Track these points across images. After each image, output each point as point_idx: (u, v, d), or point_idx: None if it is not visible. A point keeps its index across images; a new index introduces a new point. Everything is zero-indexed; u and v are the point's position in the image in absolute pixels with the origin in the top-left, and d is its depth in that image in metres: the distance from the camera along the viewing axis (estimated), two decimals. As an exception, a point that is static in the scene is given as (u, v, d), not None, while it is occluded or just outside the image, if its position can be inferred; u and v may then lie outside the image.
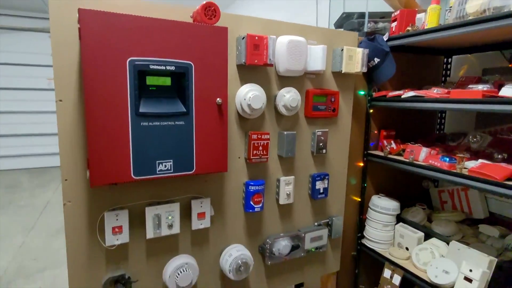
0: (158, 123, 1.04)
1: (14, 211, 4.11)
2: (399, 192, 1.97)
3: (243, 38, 1.23)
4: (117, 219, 1.11)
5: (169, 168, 1.08)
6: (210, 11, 1.11)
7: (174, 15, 1.15)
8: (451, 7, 1.41)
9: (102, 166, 0.98)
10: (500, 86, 1.27)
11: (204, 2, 1.10)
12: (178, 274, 1.21)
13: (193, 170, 1.12)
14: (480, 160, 1.37)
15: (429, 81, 1.95)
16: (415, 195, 2.08)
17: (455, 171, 1.37)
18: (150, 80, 1.05)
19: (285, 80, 1.40)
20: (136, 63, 0.99)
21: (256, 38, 1.22)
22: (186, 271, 1.22)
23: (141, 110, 1.01)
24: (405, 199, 1.95)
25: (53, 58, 0.99)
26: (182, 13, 1.17)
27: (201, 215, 1.26)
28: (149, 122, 1.03)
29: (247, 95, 1.25)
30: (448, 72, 2.02)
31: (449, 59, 2.00)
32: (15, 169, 5.90)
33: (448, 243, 1.54)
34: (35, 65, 5.66)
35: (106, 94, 0.96)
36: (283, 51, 1.30)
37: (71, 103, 1.03)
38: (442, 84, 2.00)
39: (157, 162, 1.06)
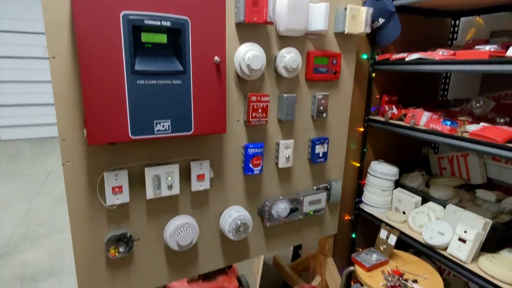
0: (155, 82, 1.02)
1: (18, 180, 4.17)
2: (398, 158, 1.98)
3: (241, -6, 1.17)
4: (116, 179, 1.12)
5: (167, 128, 1.07)
6: (207, -37, 1.05)
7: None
8: (462, -39, 1.33)
9: (99, 124, 0.97)
10: (508, 47, 1.22)
11: (200, -47, 1.04)
12: (179, 234, 1.23)
13: (192, 131, 1.11)
14: (481, 124, 1.36)
15: (435, 45, 1.89)
16: (415, 161, 2.08)
17: (456, 134, 1.36)
18: (145, 37, 1.01)
19: (286, 41, 1.35)
20: (130, 17, 0.94)
21: (256, -7, 1.16)
22: (187, 230, 1.24)
23: (137, 67, 0.99)
24: (405, 165, 1.96)
25: (43, 12, 0.95)
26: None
27: (200, 177, 1.27)
28: (146, 80, 1.00)
29: (246, 55, 1.21)
30: (455, 35, 1.95)
31: (457, 22, 1.93)
32: (16, 139, 5.92)
33: (445, 207, 1.57)
34: (34, 32, 5.49)
35: (100, 50, 0.93)
36: (283, 9, 1.25)
37: (65, 60, 1.00)
38: (448, 47, 1.94)
39: (154, 122, 1.05)
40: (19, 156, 5.12)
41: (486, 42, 1.60)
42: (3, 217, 3.23)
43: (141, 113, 1.02)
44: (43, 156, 5.12)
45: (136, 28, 0.97)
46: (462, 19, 1.93)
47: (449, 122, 1.39)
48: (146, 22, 0.97)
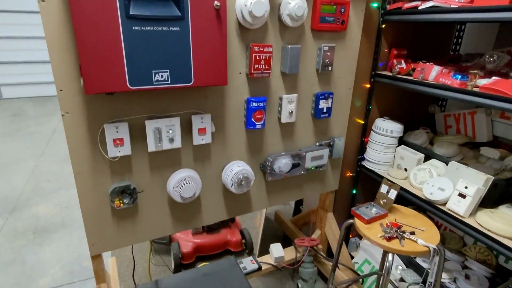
0: (152, 28, 0.97)
1: (23, 138, 4.22)
2: (404, 116, 1.94)
3: None
4: (117, 131, 1.11)
5: (166, 79, 1.04)
6: None
7: None
8: None
9: (96, 73, 0.93)
10: (531, -7, 1.13)
11: None
12: (182, 186, 1.25)
13: (192, 82, 1.08)
14: (493, 78, 1.30)
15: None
16: (421, 119, 2.05)
17: (466, 89, 1.31)
18: (140, -22, 0.94)
19: (291, -14, 1.26)
20: (121, -46, 0.87)
21: None
22: (189, 183, 1.26)
23: (132, 12, 0.93)
24: (410, 123, 1.93)
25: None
26: None
27: (202, 131, 1.26)
28: (142, 26, 0.95)
29: (248, 0, 1.14)
30: (474, -17, 1.81)
31: (477, -32, 1.78)
32: (19, 97, 5.89)
33: (447, 164, 1.56)
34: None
35: (92, -9, 0.87)
36: None
37: (56, 3, 0.94)
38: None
39: (153, 72, 1.01)
40: (23, 114, 5.13)
41: (507, -11, 1.49)
42: (12, 174, 3.31)
43: (138, 62, 0.98)
44: (47, 115, 5.13)
45: (129, -33, 0.90)
46: (483, -36, 1.78)
47: (459, 76, 1.34)
48: (140, -40, 0.90)
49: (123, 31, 0.93)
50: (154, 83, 1.03)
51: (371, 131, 1.83)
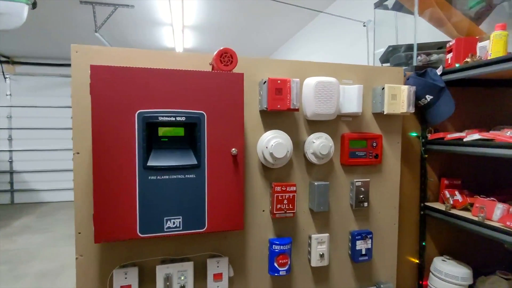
0: (167, 177, 0.98)
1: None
2: (472, 254, 1.59)
3: (264, 83, 1.15)
4: (126, 277, 1.05)
5: (178, 225, 1.00)
6: (226, 58, 1.06)
7: (194, 63, 1.13)
8: (521, 32, 1.16)
9: (106, 222, 0.94)
10: None
11: (220, 49, 1.06)
12: None
13: (205, 228, 1.02)
14: None
15: (507, 119, 1.61)
16: (496, 259, 1.66)
17: (545, 239, 1.03)
18: (162, 131, 1.01)
19: (315, 125, 1.26)
20: (144, 115, 0.96)
21: (279, 81, 1.13)
22: None
23: (149, 163, 0.97)
24: (481, 264, 1.56)
25: (72, 111, 1.02)
26: (201, 60, 1.14)
27: (217, 276, 1.13)
28: (158, 175, 0.97)
29: (269, 143, 1.14)
30: (532, 107, 1.66)
31: (531, 91, 1.65)
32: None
33: (545, 335, 1.15)
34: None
35: (113, 147, 0.94)
36: (310, 94, 1.18)
37: (88, 156, 1.04)
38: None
39: (165, 218, 0.99)
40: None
41: None
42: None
43: (151, 210, 0.97)
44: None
45: (151, 125, 0.98)
46: (538, 88, 1.65)
47: (532, 221, 1.08)
48: (161, 118, 0.97)
49: (138, 181, 0.96)
50: (165, 230, 0.99)
51: (430, 274, 1.51)
